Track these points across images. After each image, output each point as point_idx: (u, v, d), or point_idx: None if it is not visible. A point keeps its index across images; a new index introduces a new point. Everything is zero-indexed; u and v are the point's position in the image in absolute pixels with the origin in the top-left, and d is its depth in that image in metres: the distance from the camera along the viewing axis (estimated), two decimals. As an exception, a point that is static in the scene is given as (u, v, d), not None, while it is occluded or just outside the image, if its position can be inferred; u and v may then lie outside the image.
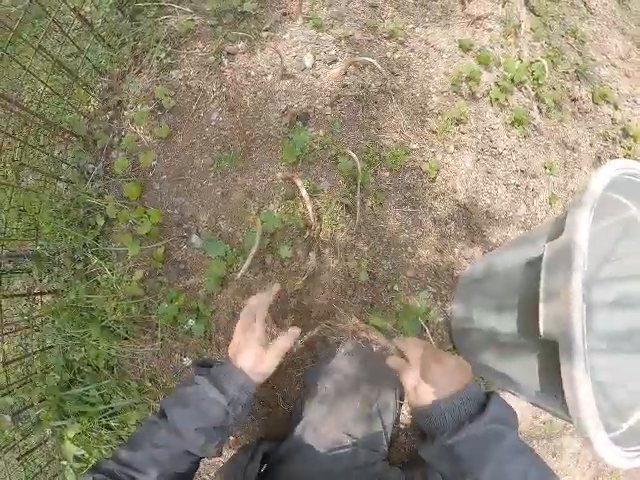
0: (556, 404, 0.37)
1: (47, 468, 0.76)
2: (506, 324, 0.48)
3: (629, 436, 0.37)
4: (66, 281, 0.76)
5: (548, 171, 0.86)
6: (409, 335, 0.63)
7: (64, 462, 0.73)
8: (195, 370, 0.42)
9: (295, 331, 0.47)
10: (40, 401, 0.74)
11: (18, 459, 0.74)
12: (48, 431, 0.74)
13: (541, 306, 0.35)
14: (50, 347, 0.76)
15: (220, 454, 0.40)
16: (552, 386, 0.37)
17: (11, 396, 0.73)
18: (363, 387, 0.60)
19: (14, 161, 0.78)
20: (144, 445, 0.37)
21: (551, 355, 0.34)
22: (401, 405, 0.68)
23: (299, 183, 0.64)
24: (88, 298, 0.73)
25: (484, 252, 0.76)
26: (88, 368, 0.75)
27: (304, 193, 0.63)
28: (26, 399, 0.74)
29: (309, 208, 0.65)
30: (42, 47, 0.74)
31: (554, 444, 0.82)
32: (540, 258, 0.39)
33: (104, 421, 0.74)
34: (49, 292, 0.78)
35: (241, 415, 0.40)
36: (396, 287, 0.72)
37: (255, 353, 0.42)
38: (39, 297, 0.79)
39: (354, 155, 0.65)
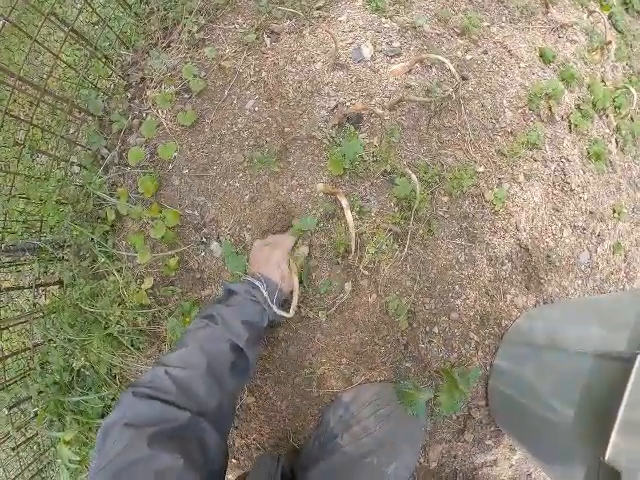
0: None
1: (42, 457, 0.62)
2: (557, 413, 0.34)
3: None
4: (71, 274, 0.58)
5: (616, 215, 0.64)
6: (446, 412, 0.45)
7: (59, 460, 0.59)
8: (225, 288, 0.41)
9: (290, 237, 0.48)
10: (39, 393, 0.58)
11: (13, 449, 0.60)
12: (43, 431, 0.60)
13: (616, 428, 0.25)
14: (50, 341, 0.60)
15: (255, 361, 0.39)
16: None
17: (7, 391, 0.57)
18: (382, 445, 0.43)
19: (17, 144, 0.58)
20: (190, 341, 0.34)
21: (605, 474, 0.26)
22: (420, 454, 0.52)
23: (344, 203, 0.43)
24: (92, 300, 0.56)
25: (537, 302, 0.57)
26: (89, 371, 0.59)
27: (348, 215, 0.43)
28: (24, 393, 0.59)
29: (352, 232, 0.45)
30: (54, 13, 0.51)
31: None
32: (623, 359, 0.27)
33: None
34: (54, 283, 0.61)
35: (272, 319, 0.40)
36: (436, 329, 0.53)
37: (280, 268, 0.42)
38: (42, 289, 0.62)
39: (414, 177, 0.44)
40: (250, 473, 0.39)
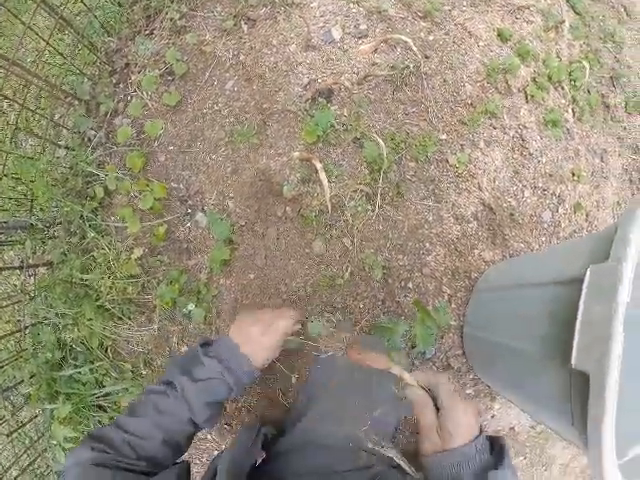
0: (566, 428, 0.33)
1: (37, 443, 0.67)
2: (527, 343, 0.40)
3: (632, 465, 0.32)
4: (62, 254, 0.66)
5: (576, 178, 0.75)
6: (422, 345, 0.53)
7: (54, 441, 0.65)
8: (200, 348, 0.40)
9: (292, 313, 0.45)
10: (31, 377, 0.64)
11: (7, 435, 0.66)
12: (38, 410, 0.65)
13: (577, 335, 0.29)
14: (42, 322, 0.66)
15: (213, 426, 0.40)
16: (567, 412, 0.32)
17: (1, 372, 0.63)
18: (368, 389, 0.51)
19: (9, 125, 0.66)
20: (148, 412, 0.35)
21: (576, 383, 0.30)
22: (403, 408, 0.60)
23: (318, 166, 0.52)
24: (83, 274, 0.63)
25: (504, 256, 0.66)
26: (81, 347, 0.66)
27: (322, 176, 0.52)
28: (16, 376, 0.65)
29: (326, 192, 0.54)
30: (45, 2, 0.60)
31: (546, 454, 0.75)
32: (578, 280, 0.32)
33: (96, 401, 0.65)
34: (43, 264, 0.68)
35: (237, 394, 0.40)
36: (410, 284, 0.62)
37: (267, 352, 0.41)
38: (32, 270, 0.69)
39: (381, 141, 0.54)
40: (227, 451, 0.39)
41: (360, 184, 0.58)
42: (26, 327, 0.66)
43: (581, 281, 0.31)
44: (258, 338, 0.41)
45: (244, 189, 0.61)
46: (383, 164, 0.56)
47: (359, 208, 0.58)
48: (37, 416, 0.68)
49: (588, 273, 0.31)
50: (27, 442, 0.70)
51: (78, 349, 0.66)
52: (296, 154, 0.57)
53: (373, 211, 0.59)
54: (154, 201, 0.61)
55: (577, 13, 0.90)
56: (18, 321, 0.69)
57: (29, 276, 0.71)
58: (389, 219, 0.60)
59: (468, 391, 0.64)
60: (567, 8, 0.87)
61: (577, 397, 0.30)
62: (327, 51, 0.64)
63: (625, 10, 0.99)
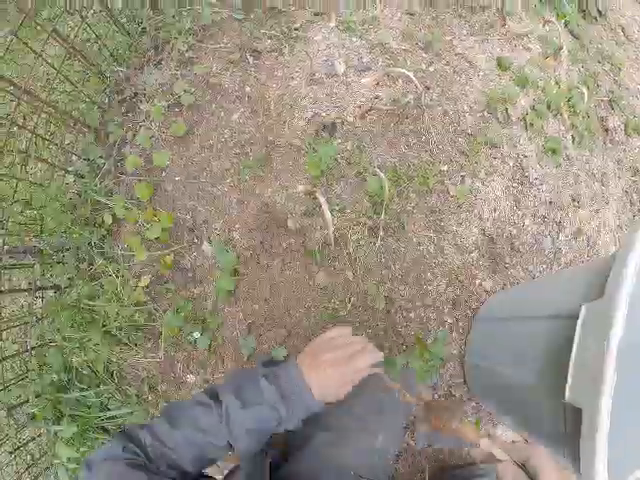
0: (560, 457, 0.35)
1: (40, 461, 0.69)
2: (524, 374, 0.41)
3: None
4: (69, 279, 0.68)
5: (576, 204, 0.77)
6: (420, 379, 0.54)
7: (57, 460, 0.67)
8: (261, 370, 0.36)
9: (375, 352, 0.40)
10: (36, 397, 0.67)
11: (11, 453, 0.68)
12: (42, 429, 0.67)
13: (571, 371, 0.31)
14: (48, 343, 0.68)
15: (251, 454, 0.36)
16: (560, 444, 0.34)
17: (7, 392, 0.65)
18: (370, 417, 0.53)
19: (21, 152, 0.69)
20: (186, 425, 0.32)
21: (570, 419, 0.31)
22: (405, 432, 0.61)
23: (321, 200, 0.55)
24: (90, 300, 0.65)
25: (504, 285, 0.68)
26: (87, 370, 0.68)
27: (326, 211, 0.54)
28: (22, 395, 0.67)
29: (330, 227, 0.56)
30: (56, 31, 0.64)
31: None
32: (574, 316, 0.33)
33: (101, 424, 0.67)
34: (51, 287, 0.70)
35: (288, 428, 0.35)
36: (412, 314, 0.64)
37: (342, 384, 0.36)
38: (40, 293, 0.72)
39: (383, 176, 0.56)
40: (237, 473, 0.38)
41: (362, 217, 0.60)
42: (32, 348, 0.69)
43: (577, 317, 0.32)
44: (330, 370, 0.35)
45: (249, 220, 0.64)
46: (385, 197, 0.58)
47: (361, 241, 0.60)
48: (40, 435, 0.70)
49: (582, 311, 0.32)
50: (29, 460, 0.71)
51: (84, 372, 0.69)
52: (300, 187, 0.60)
53: (375, 243, 0.61)
54: (161, 231, 0.63)
55: (575, 37, 0.93)
56: (25, 342, 0.71)
57: (36, 298, 0.73)
58: (391, 250, 0.63)
59: (470, 418, 0.65)
60: (565, 32, 0.90)
61: (570, 431, 0.31)
62: (330, 85, 0.67)
63: (623, 31, 1.02)
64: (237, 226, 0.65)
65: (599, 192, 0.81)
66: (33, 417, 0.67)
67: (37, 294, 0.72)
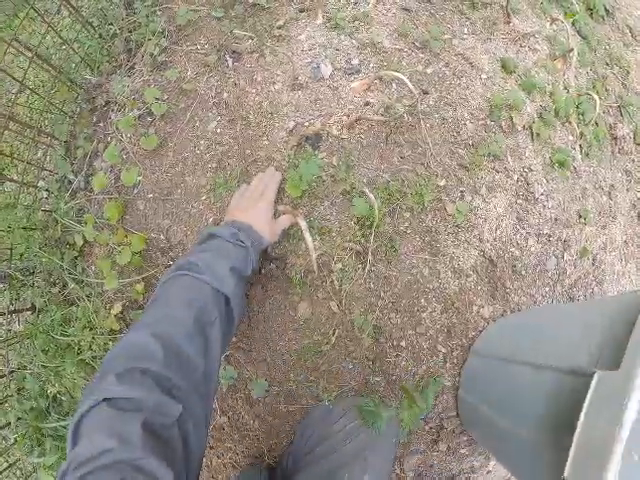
0: None
1: None
2: (521, 426, 0.34)
3: None
4: (44, 302, 0.58)
5: (582, 220, 0.64)
6: (410, 427, 0.44)
7: None
8: (206, 232, 0.38)
9: (274, 174, 0.46)
10: (17, 419, 0.58)
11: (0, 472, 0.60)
12: (24, 455, 0.59)
13: (573, 447, 0.25)
14: (25, 367, 0.59)
15: (241, 316, 0.35)
16: None
17: None
18: (355, 457, 0.43)
19: None
20: (171, 294, 0.30)
21: None
22: (393, 463, 0.52)
23: (302, 225, 0.43)
24: (64, 326, 0.55)
25: (504, 311, 0.57)
26: (66, 396, 0.59)
27: (307, 237, 0.43)
28: (3, 419, 0.59)
29: (312, 253, 0.45)
30: (17, 39, 0.51)
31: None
32: (581, 374, 0.27)
33: None
34: (27, 309, 0.60)
35: (255, 268, 0.37)
36: (403, 343, 0.53)
37: (266, 216, 0.40)
38: (15, 317, 0.62)
39: (372, 196, 0.44)
40: None
41: (349, 241, 0.48)
42: (11, 372, 0.59)
43: (584, 375, 0.26)
44: (252, 210, 0.40)
45: (226, 243, 0.53)
46: (375, 220, 0.46)
47: (348, 268, 0.49)
48: (21, 460, 0.62)
49: (594, 380, 0.25)
50: (18, 475, 0.64)
51: (63, 398, 0.59)
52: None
53: (364, 269, 0.50)
54: (132, 255, 0.53)
55: (583, 37, 0.78)
56: (2, 367, 0.62)
57: (12, 322, 0.63)
58: (381, 276, 0.51)
59: (462, 451, 0.56)
60: (573, 32, 0.75)
61: None
62: (315, 90, 0.54)
63: (630, 31, 0.87)
64: (213, 249, 0.54)
65: (606, 206, 0.68)
66: (15, 442, 0.58)
67: (12, 317, 0.62)
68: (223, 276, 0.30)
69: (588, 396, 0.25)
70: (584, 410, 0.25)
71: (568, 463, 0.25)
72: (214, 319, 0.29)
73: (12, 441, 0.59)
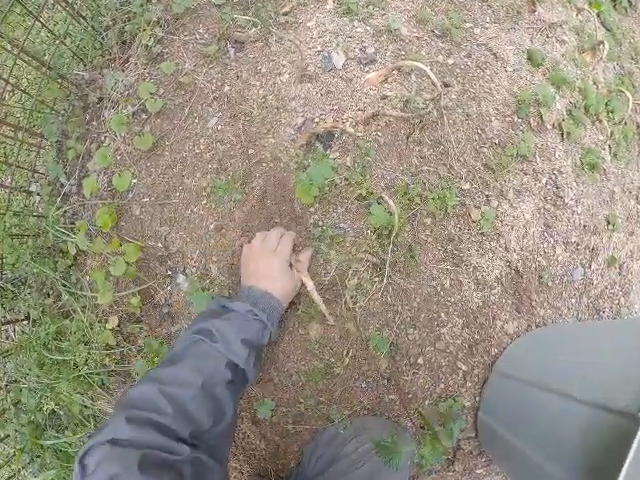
0: None
1: None
2: (550, 462, 0.27)
3: None
4: (41, 311, 0.49)
5: (610, 227, 0.54)
6: (431, 464, 0.36)
7: None
8: (219, 304, 0.34)
9: (284, 234, 0.38)
10: (16, 431, 0.50)
11: None
12: (23, 470, 0.52)
13: None
14: (20, 381, 0.51)
15: (255, 379, 0.34)
16: None
17: None
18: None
19: None
20: (185, 357, 0.29)
21: None
22: None
23: (309, 285, 0.36)
24: (58, 340, 0.47)
25: (529, 326, 0.48)
26: (64, 409, 0.51)
27: (316, 297, 0.36)
28: (1, 432, 0.51)
29: (323, 309, 0.36)
30: (0, 35, 0.41)
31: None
32: (625, 415, 0.20)
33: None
34: (22, 320, 0.52)
35: (273, 335, 0.34)
36: (420, 360, 0.44)
37: (282, 277, 0.34)
38: (10, 327, 0.53)
39: (392, 203, 0.34)
40: None
41: (365, 252, 0.39)
42: (7, 384, 0.51)
43: (631, 417, 0.20)
44: (268, 271, 0.34)
45: (227, 253, 0.43)
46: (394, 229, 0.36)
47: (364, 282, 0.39)
48: (19, 471, 0.54)
49: None
50: None
51: (61, 412, 0.51)
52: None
53: (381, 282, 0.40)
54: (127, 266, 0.43)
55: (607, 29, 0.66)
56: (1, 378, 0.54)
57: (7, 334, 0.55)
58: (399, 289, 0.42)
59: (478, 471, 0.47)
60: (598, 24, 0.63)
61: None
62: (326, 82, 0.44)
63: None
64: (214, 258, 0.44)
65: (634, 211, 0.57)
66: (14, 456, 0.51)
67: (6, 329, 0.54)
68: (236, 348, 0.29)
69: (635, 443, 0.19)
70: (630, 457, 0.19)
71: None
72: (225, 382, 0.29)
73: (13, 453, 0.52)
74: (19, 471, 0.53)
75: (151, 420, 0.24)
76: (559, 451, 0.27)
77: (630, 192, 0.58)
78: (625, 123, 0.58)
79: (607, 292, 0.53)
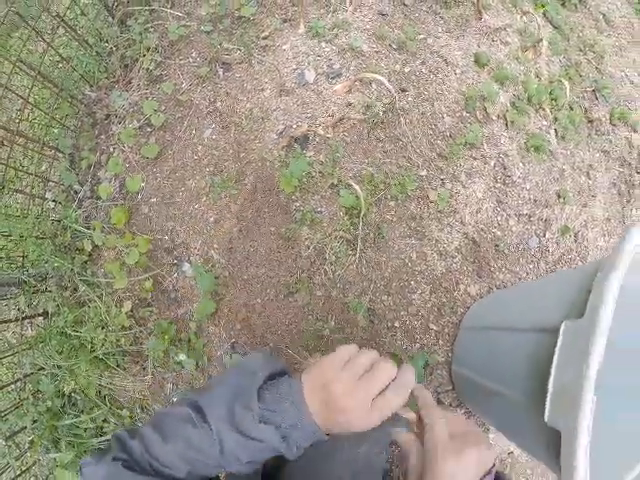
0: (547, 460, 0.32)
1: None
2: (510, 389, 0.39)
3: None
4: (56, 306, 0.65)
5: (562, 200, 0.72)
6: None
7: None
8: (257, 392, 0.25)
9: (410, 376, 0.26)
10: (33, 423, 0.65)
11: None
12: (41, 455, 0.66)
13: (549, 393, 0.29)
14: (40, 370, 0.66)
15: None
16: (549, 457, 0.31)
17: (3, 422, 0.63)
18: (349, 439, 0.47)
19: None
20: (177, 440, 0.26)
21: (552, 436, 0.29)
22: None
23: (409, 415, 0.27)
24: (77, 327, 0.62)
25: (490, 289, 0.64)
26: (80, 394, 0.66)
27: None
28: (19, 423, 0.65)
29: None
30: (21, 60, 0.59)
31: (550, 473, 0.73)
32: (556, 331, 0.31)
33: (97, 446, 0.65)
34: (39, 315, 0.68)
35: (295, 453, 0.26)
36: (396, 323, 0.61)
37: (359, 415, 0.24)
38: (30, 321, 0.69)
39: (358, 187, 0.52)
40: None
41: (340, 230, 0.56)
42: (26, 376, 0.66)
43: (556, 330, 0.30)
44: (344, 401, 0.24)
45: (226, 239, 0.60)
46: (361, 209, 0.54)
47: (340, 254, 0.57)
48: (39, 460, 0.68)
49: (562, 330, 0.30)
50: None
51: (77, 397, 0.66)
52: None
53: (355, 255, 0.57)
54: (139, 255, 0.60)
55: (555, 27, 0.87)
56: (19, 371, 0.69)
57: (26, 326, 0.71)
58: (372, 261, 0.59)
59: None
60: (544, 23, 0.84)
61: (553, 450, 0.29)
62: (301, 94, 0.63)
63: (604, 18, 0.95)
64: (215, 245, 0.61)
65: (586, 186, 0.76)
66: (32, 443, 0.65)
67: (27, 322, 0.69)
68: (232, 461, 0.25)
69: (558, 343, 0.28)
70: (555, 358, 0.28)
71: (546, 408, 0.28)
72: (205, 475, 0.27)
73: (27, 445, 0.65)
74: (35, 464, 0.67)
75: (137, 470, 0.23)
76: (514, 379, 0.37)
77: (581, 169, 0.76)
78: (571, 108, 0.78)
79: (565, 258, 0.70)
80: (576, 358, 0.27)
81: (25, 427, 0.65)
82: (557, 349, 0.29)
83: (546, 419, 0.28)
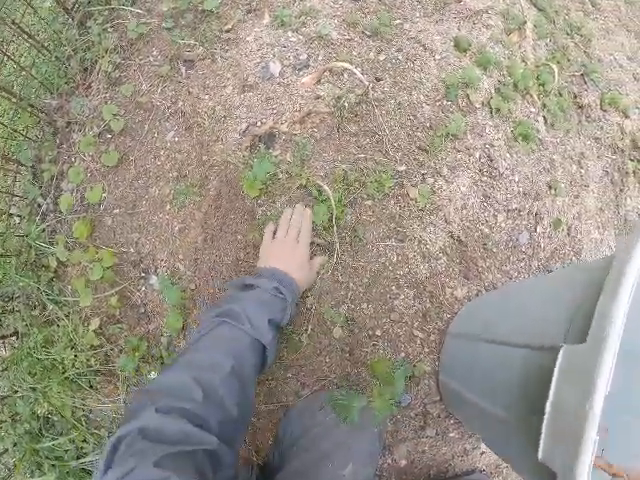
0: None
1: None
2: (498, 407, 0.32)
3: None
4: (25, 326, 0.58)
5: (553, 192, 0.62)
6: (382, 415, 0.43)
7: None
8: (242, 282, 0.37)
9: (308, 219, 0.44)
10: (14, 445, 0.58)
11: None
12: (25, 479, 0.59)
13: (545, 427, 0.23)
14: (15, 392, 0.59)
15: (273, 361, 0.36)
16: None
17: None
18: (338, 447, 0.42)
19: None
20: (213, 342, 0.31)
21: (544, 473, 0.23)
22: (382, 452, 0.51)
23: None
24: (46, 347, 0.55)
25: (479, 291, 0.55)
26: (57, 416, 0.59)
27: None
28: (1, 445, 0.59)
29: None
30: None
31: None
32: (553, 349, 0.24)
33: (80, 466, 0.58)
34: (11, 335, 0.60)
35: (292, 317, 0.38)
36: (378, 332, 0.52)
37: (303, 263, 0.40)
38: (2, 342, 0.61)
39: (327, 188, 0.43)
40: None
41: (313, 237, 0.47)
42: (2, 398, 0.59)
43: (553, 350, 0.24)
44: (291, 260, 0.39)
45: (191, 250, 0.52)
46: (334, 212, 0.45)
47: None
48: None
49: (561, 355, 0.23)
50: None
51: (54, 418, 0.59)
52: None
53: (330, 262, 0.48)
54: (103, 270, 0.52)
55: (540, 9, 0.76)
56: (-4, 393, 0.62)
57: (0, 347, 0.63)
58: (349, 267, 0.50)
59: (451, 434, 0.54)
60: (528, 5, 0.73)
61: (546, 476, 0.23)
62: (266, 89, 0.53)
63: (590, 0, 0.84)
64: (180, 256, 0.53)
65: (577, 175, 0.66)
66: (14, 466, 0.58)
67: (0, 342, 0.62)
68: (263, 328, 0.32)
69: (555, 372, 0.23)
70: (552, 388, 0.23)
71: (541, 440, 0.23)
72: (250, 365, 0.31)
73: (12, 466, 0.59)
74: (19, 481, 0.61)
75: (181, 409, 0.24)
76: (504, 396, 0.31)
77: (572, 158, 0.66)
78: (560, 94, 0.67)
79: (558, 253, 0.61)
80: (577, 389, 0.21)
81: (7, 450, 0.59)
82: (555, 374, 0.23)
83: (540, 455, 0.23)
